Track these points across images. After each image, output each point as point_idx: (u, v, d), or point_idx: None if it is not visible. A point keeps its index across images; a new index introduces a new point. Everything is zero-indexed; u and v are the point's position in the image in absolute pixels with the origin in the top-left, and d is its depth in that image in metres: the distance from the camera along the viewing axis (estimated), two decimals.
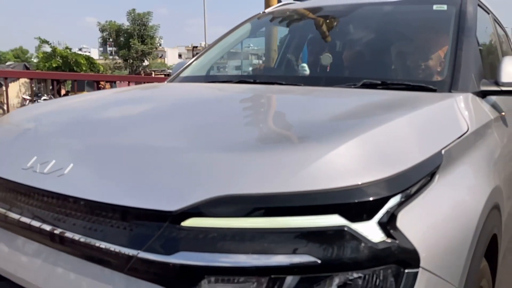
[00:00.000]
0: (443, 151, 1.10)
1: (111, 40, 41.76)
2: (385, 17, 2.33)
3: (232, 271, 0.85)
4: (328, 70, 2.27)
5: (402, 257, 0.88)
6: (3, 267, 1.12)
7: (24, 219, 1.08)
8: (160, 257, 0.87)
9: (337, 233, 0.85)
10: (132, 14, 39.17)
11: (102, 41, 43.81)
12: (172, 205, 0.89)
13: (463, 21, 1.91)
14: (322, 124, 1.20)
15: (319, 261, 0.82)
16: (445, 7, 2.07)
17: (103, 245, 0.93)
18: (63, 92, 19.07)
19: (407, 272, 0.88)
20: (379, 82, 1.71)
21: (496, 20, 2.70)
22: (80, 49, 33.89)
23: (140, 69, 39.35)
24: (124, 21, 46.40)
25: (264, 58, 3.22)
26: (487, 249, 1.27)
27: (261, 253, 0.84)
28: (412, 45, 2.17)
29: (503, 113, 1.88)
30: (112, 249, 0.92)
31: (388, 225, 0.88)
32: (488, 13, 2.48)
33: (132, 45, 38.87)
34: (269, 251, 0.84)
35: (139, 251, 0.88)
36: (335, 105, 1.50)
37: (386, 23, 2.31)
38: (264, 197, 0.87)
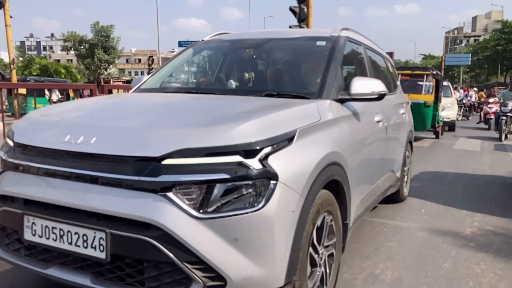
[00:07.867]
0: (298, 129, 2.01)
1: (73, 49, 42.19)
2: (285, 48, 3.33)
3: (188, 183, 1.69)
4: (247, 85, 3.22)
5: (270, 176, 1.76)
6: (56, 198, 1.87)
7: (67, 169, 1.86)
8: (151, 178, 1.70)
9: (238, 164, 1.72)
10: (96, 26, 40.33)
11: (63, 49, 43.68)
12: (156, 153, 1.72)
13: (332, 53, 2.87)
14: (238, 113, 2.10)
15: (229, 176, 1.69)
16: (324, 43, 3.04)
17: (120, 176, 1.74)
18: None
19: (272, 182, 1.77)
20: (275, 93, 2.67)
21: (369, 48, 3.71)
22: None
23: (101, 76, 40.11)
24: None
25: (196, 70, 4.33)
26: (330, 186, 2.23)
27: (201, 173, 1.69)
28: (299, 68, 3.14)
29: (357, 112, 2.83)
30: (125, 178, 1.73)
31: (263, 160, 1.77)
32: (360, 45, 3.47)
33: (97, 55, 39.89)
34: (205, 173, 1.70)
35: (140, 177, 1.71)
36: (247, 104, 2.38)
37: (285, 52, 3.30)
38: (204, 148, 1.73)
